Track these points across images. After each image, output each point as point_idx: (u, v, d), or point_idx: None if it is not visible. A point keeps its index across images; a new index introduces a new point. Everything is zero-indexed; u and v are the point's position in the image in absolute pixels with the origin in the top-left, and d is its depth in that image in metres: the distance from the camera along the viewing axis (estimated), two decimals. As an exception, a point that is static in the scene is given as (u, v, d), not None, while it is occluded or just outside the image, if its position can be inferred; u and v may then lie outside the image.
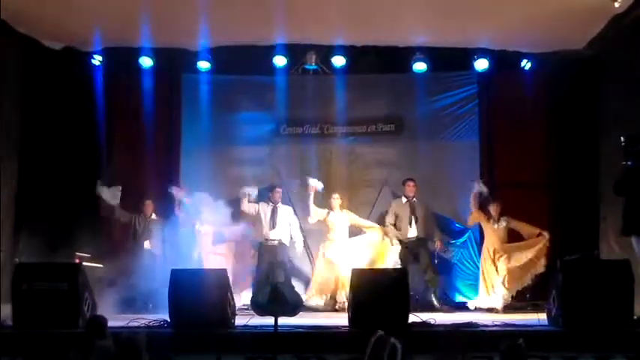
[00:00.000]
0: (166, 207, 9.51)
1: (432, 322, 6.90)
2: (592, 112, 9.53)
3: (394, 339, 4.56)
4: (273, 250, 9.27)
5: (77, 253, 8.60)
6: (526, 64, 9.78)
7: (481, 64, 9.77)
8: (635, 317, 6.56)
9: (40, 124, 9.34)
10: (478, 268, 9.78)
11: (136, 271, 8.70)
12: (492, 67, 9.82)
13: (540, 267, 8.91)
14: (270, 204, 9.51)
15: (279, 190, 9.59)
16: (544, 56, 9.58)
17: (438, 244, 9.39)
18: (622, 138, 7.00)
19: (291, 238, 9.51)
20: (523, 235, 9.18)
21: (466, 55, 9.79)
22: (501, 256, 9.01)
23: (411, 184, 9.44)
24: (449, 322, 6.97)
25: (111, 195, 9.21)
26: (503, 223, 9.16)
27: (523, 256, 9.00)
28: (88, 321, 5.94)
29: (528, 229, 9.16)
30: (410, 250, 9.30)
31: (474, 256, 9.87)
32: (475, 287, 9.62)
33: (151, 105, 9.90)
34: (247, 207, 9.45)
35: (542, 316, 7.05)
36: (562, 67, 9.62)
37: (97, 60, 9.66)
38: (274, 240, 9.39)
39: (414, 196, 9.42)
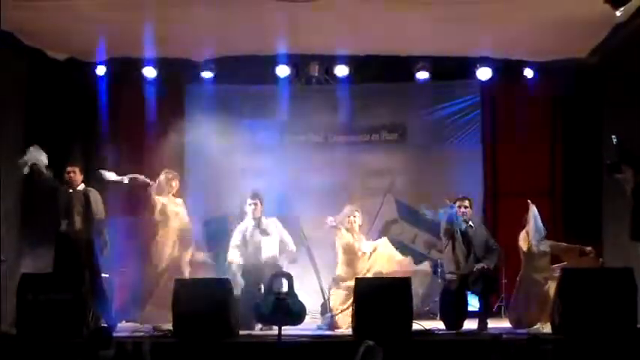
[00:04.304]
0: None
1: (436, 331, 6.93)
2: (595, 121, 9.53)
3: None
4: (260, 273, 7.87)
5: None
6: (529, 73, 9.79)
7: (484, 73, 9.77)
8: (638, 326, 6.57)
9: (44, 134, 9.35)
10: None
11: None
12: (495, 76, 9.82)
13: None
14: (252, 220, 8.16)
15: (256, 202, 8.13)
16: (546, 65, 9.57)
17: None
18: (613, 137, 7.03)
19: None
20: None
21: (469, 64, 9.80)
22: None
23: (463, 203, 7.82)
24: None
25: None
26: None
27: None
28: (91, 332, 5.98)
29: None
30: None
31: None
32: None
33: (155, 115, 9.92)
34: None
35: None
36: (565, 75, 9.63)
37: (100, 70, 9.68)
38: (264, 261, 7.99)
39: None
